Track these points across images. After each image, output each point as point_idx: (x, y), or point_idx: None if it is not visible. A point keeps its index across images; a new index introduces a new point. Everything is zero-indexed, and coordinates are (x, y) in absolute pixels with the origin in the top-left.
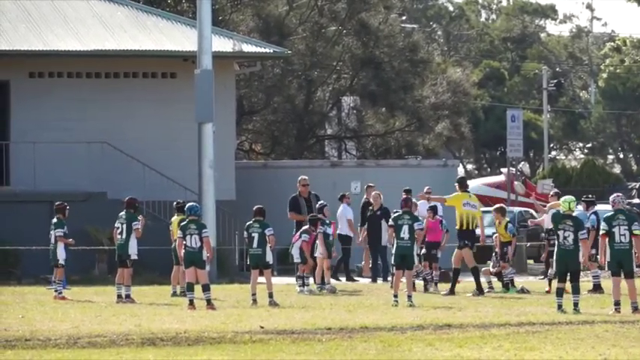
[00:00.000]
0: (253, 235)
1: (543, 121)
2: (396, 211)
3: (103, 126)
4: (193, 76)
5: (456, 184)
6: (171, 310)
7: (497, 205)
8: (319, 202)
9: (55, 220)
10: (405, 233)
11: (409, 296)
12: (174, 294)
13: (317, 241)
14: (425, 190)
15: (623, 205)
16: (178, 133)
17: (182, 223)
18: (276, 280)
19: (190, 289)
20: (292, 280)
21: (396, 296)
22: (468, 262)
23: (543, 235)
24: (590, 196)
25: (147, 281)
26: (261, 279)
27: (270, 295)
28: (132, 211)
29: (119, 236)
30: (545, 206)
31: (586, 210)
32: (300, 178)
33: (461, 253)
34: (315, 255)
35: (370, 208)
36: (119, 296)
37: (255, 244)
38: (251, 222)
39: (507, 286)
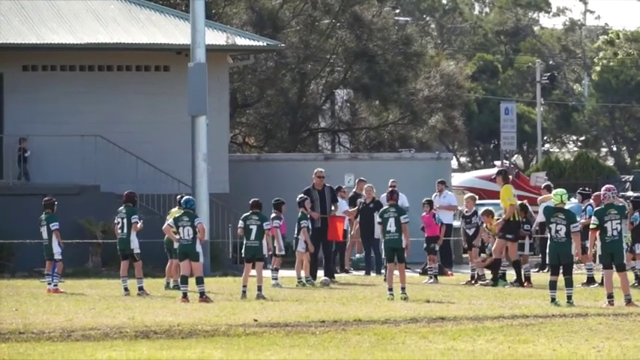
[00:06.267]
0: (251, 227)
1: (537, 114)
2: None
3: (96, 119)
4: (187, 70)
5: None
6: (164, 302)
7: (484, 209)
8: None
9: (44, 215)
10: (391, 226)
11: (402, 288)
12: (167, 286)
13: (300, 235)
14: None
15: (613, 199)
16: (172, 126)
17: (175, 216)
18: (269, 273)
19: (184, 281)
20: (287, 273)
21: (390, 290)
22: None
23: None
24: (586, 188)
25: None
26: (252, 271)
27: (259, 289)
28: (131, 205)
29: (120, 231)
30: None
31: (582, 202)
32: (315, 170)
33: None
34: (297, 250)
35: (362, 201)
36: (126, 289)
37: (252, 237)
38: (248, 214)
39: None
